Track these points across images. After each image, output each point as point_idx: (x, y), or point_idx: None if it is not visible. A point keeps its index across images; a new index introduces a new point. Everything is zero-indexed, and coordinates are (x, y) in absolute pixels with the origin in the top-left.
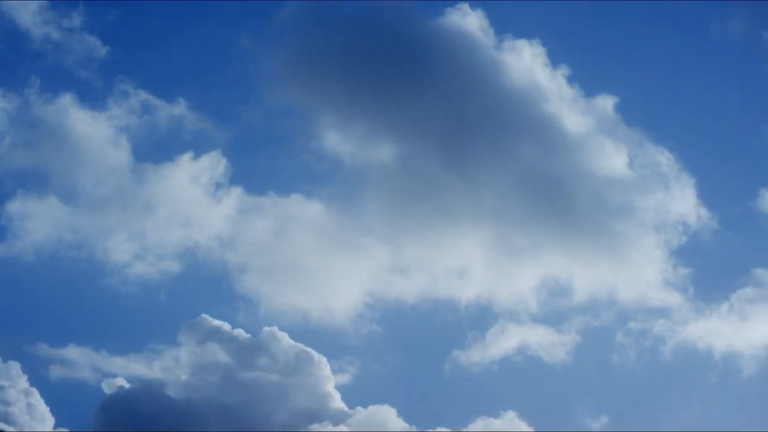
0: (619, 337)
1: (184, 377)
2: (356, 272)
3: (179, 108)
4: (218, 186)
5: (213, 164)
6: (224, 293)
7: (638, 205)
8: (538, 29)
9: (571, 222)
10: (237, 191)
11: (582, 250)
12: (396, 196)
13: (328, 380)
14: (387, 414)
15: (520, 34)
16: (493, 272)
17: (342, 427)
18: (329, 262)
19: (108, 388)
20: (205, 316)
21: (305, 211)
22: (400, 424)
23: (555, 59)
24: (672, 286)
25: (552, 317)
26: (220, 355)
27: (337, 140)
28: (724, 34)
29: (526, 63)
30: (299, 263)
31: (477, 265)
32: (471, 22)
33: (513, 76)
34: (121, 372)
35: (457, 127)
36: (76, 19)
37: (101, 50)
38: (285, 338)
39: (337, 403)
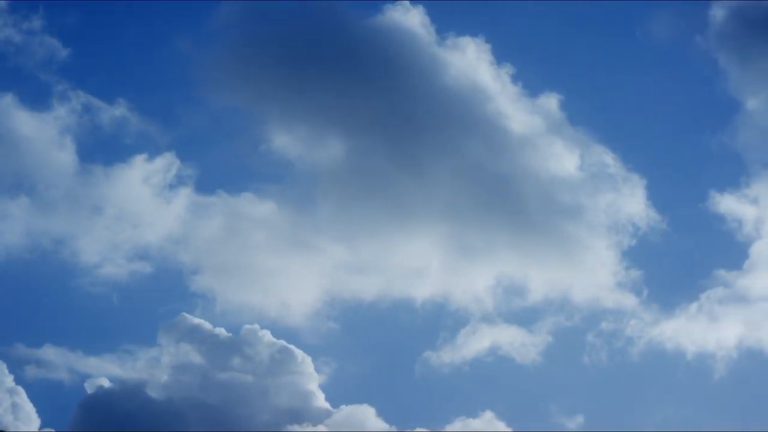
0: (587, 338)
1: (164, 377)
2: (311, 271)
3: (120, 109)
4: (167, 187)
5: (160, 165)
6: (179, 293)
7: (588, 206)
8: (481, 27)
9: (523, 222)
10: (186, 191)
11: (535, 250)
12: (348, 194)
13: (312, 378)
14: (366, 413)
15: (462, 32)
16: (450, 271)
17: (321, 427)
18: (284, 260)
19: (91, 388)
20: (185, 314)
21: (257, 210)
22: (379, 423)
23: (499, 57)
24: (625, 287)
25: (510, 317)
26: (200, 354)
27: (284, 139)
28: (664, 36)
29: (470, 61)
30: (253, 262)
31: (433, 264)
32: (411, 19)
33: (456, 74)
34: (100, 372)
35: (403, 125)
36: (9, 19)
37: (41, 51)
38: (267, 336)
39: (321, 401)
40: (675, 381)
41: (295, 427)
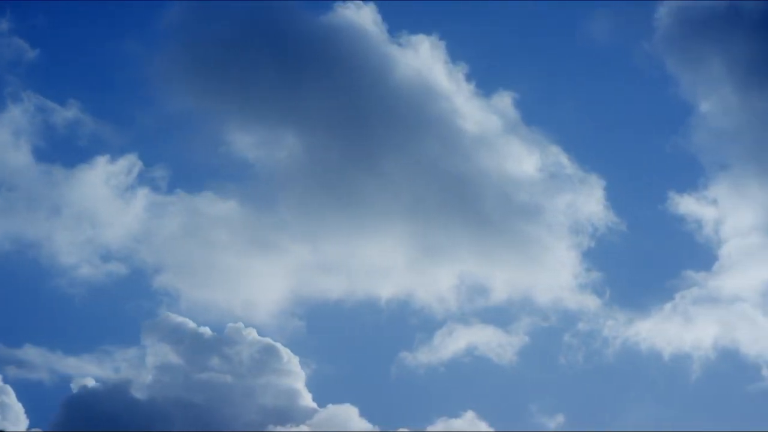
0: (560, 338)
1: (148, 376)
2: (275, 270)
3: (73, 111)
4: (126, 187)
5: (118, 166)
6: (145, 293)
7: (547, 206)
8: (434, 26)
9: (483, 222)
10: (145, 192)
11: (496, 250)
12: (308, 193)
13: (298, 377)
14: (349, 413)
15: (415, 30)
16: (413, 270)
17: (303, 427)
18: (247, 260)
19: (75, 388)
20: (168, 313)
21: (219, 209)
22: (363, 424)
23: (453, 56)
24: (587, 288)
25: (475, 316)
26: (183, 353)
27: (242, 138)
28: (613, 39)
29: (423, 59)
30: (218, 261)
31: (396, 263)
32: (363, 17)
33: (410, 72)
34: (86, 372)
35: (358, 124)
36: None
37: None
38: (252, 334)
39: (306, 401)
40: (651, 381)
41: (278, 428)
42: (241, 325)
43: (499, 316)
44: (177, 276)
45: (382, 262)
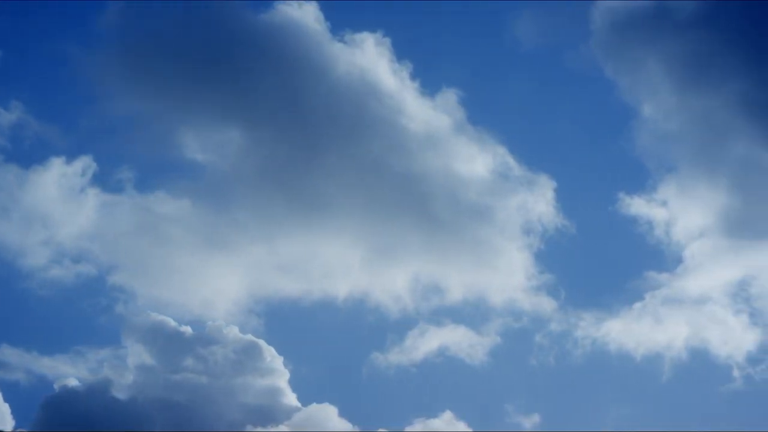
0: (515, 338)
1: (128, 376)
2: (231, 269)
3: (16, 113)
4: (76, 189)
5: (67, 168)
6: (100, 291)
7: (498, 207)
8: (378, 24)
9: (434, 222)
10: (95, 192)
11: (448, 250)
12: (260, 192)
13: (280, 375)
14: (329, 412)
15: (359, 29)
16: (369, 270)
17: (282, 427)
18: (203, 258)
19: (56, 388)
20: (149, 312)
21: (171, 208)
22: (343, 423)
23: (398, 54)
24: (541, 289)
25: (432, 317)
26: (165, 351)
27: (190, 138)
28: (554, 41)
29: (368, 57)
30: (173, 260)
31: (352, 262)
32: (305, 15)
33: (354, 70)
34: (61, 373)
35: (304, 123)
36: None
37: None
38: (233, 332)
39: (289, 399)
40: (622, 381)
41: (258, 428)
42: (222, 323)
43: (458, 316)
44: (133, 275)
45: (338, 261)
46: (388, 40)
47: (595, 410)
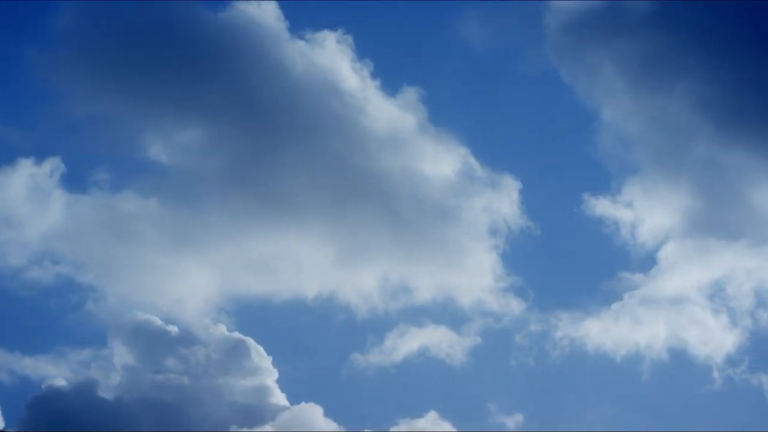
0: (492, 339)
1: (114, 375)
2: (201, 268)
3: None
4: (43, 190)
5: (30, 169)
6: (72, 292)
7: (463, 208)
8: (339, 23)
9: (400, 222)
10: (60, 193)
11: (416, 251)
12: (226, 190)
13: (269, 374)
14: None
15: (319, 27)
16: (339, 270)
17: (267, 427)
18: (172, 258)
19: (45, 388)
20: (134, 312)
21: (139, 208)
22: (329, 423)
23: (360, 53)
24: (510, 290)
25: (401, 317)
26: (150, 351)
27: (154, 137)
28: (511, 42)
29: (329, 56)
30: (142, 260)
31: (321, 261)
32: (264, 14)
33: (315, 69)
34: (44, 373)
35: (266, 122)
36: None
37: None
38: (220, 330)
39: (277, 398)
40: (600, 382)
41: (244, 428)
42: (209, 321)
43: (431, 317)
44: (104, 275)
45: (307, 260)
46: (349, 38)
47: (576, 410)
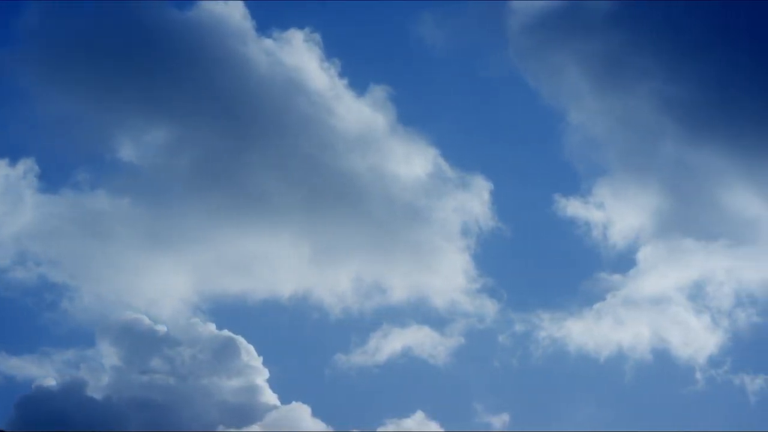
0: (473, 340)
1: (103, 375)
2: (176, 267)
3: None
4: (15, 191)
5: (4, 170)
6: (48, 291)
7: (435, 208)
8: (306, 22)
9: (372, 223)
10: (31, 193)
11: (389, 251)
12: (198, 190)
13: (259, 373)
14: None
15: (287, 26)
16: (313, 269)
17: (254, 427)
18: (147, 257)
19: (35, 388)
20: (121, 311)
21: (112, 207)
22: (317, 423)
23: (328, 52)
24: (483, 290)
25: (376, 317)
26: (140, 351)
27: (124, 137)
28: (475, 42)
29: (296, 55)
30: (116, 259)
31: (296, 260)
32: (231, 12)
33: (280, 68)
34: (30, 373)
35: (235, 120)
36: None
37: None
38: (209, 329)
39: (267, 398)
40: (583, 383)
41: (231, 428)
42: (197, 320)
43: (405, 317)
44: (77, 274)
45: (281, 259)
46: (317, 37)
47: (560, 410)
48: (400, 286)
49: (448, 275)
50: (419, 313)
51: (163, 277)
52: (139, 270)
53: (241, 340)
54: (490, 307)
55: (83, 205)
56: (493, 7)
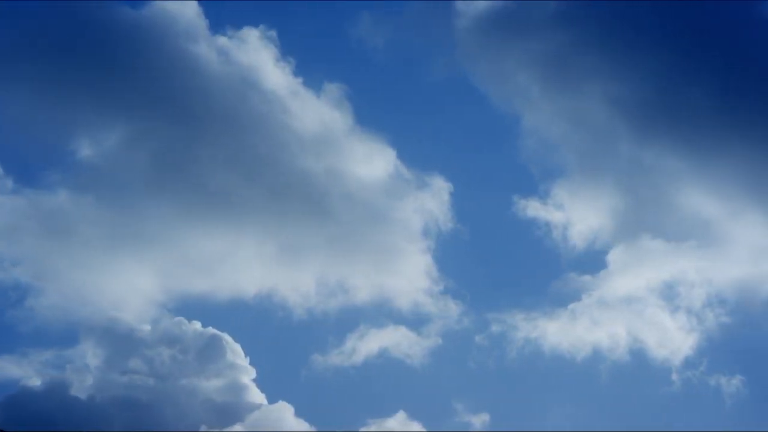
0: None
1: (87, 375)
2: (141, 267)
3: None
4: None
5: None
6: (11, 291)
7: (395, 209)
8: (259, 21)
9: (334, 223)
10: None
11: (350, 252)
12: (158, 189)
13: (244, 371)
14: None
15: (240, 25)
16: (278, 268)
17: (237, 427)
18: (112, 257)
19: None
20: (106, 311)
21: (75, 207)
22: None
23: (284, 50)
24: (447, 291)
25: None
26: (121, 350)
27: (83, 138)
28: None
29: (250, 53)
30: (81, 259)
31: (260, 260)
32: (185, 11)
33: (234, 67)
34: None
35: (188, 121)
36: None
37: None
38: (195, 327)
39: (253, 396)
40: (558, 382)
41: (215, 428)
42: (183, 319)
43: (368, 318)
44: (40, 274)
45: (244, 259)
46: (273, 35)
47: (535, 410)
48: (363, 287)
49: (410, 276)
50: (382, 314)
51: (128, 275)
52: (104, 269)
53: (227, 337)
54: (453, 309)
55: (45, 205)
56: (437, 8)
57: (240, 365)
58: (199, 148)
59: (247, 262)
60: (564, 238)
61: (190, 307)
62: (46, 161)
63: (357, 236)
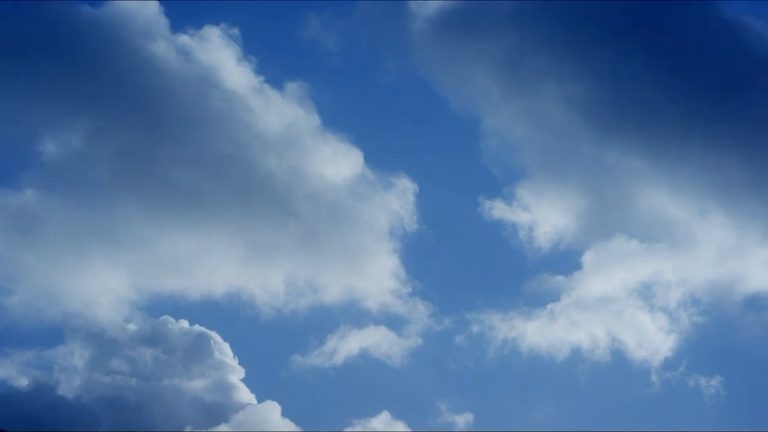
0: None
1: (75, 375)
2: (111, 267)
3: None
4: None
5: None
6: None
7: (361, 209)
8: (219, 19)
9: (301, 222)
10: None
11: (319, 253)
12: (126, 188)
13: (232, 370)
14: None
15: (203, 23)
16: (248, 268)
17: (222, 427)
18: (81, 257)
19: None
20: (81, 311)
21: (43, 206)
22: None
23: (246, 49)
24: (415, 292)
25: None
26: (109, 351)
27: (46, 137)
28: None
29: (212, 52)
30: (50, 259)
31: (231, 259)
32: (146, 11)
33: (194, 65)
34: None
35: (151, 121)
36: None
37: None
38: (182, 325)
39: (242, 395)
40: (538, 382)
41: (201, 428)
42: (169, 317)
43: (338, 318)
44: (7, 275)
45: (215, 258)
46: (235, 33)
47: (512, 411)
48: (332, 286)
49: (378, 277)
50: (350, 314)
51: (99, 274)
52: (73, 268)
53: (219, 336)
54: (422, 310)
55: (12, 204)
56: (390, 8)
57: (232, 364)
58: (162, 146)
59: (217, 261)
60: (530, 239)
61: (163, 305)
62: (12, 160)
63: (325, 236)
